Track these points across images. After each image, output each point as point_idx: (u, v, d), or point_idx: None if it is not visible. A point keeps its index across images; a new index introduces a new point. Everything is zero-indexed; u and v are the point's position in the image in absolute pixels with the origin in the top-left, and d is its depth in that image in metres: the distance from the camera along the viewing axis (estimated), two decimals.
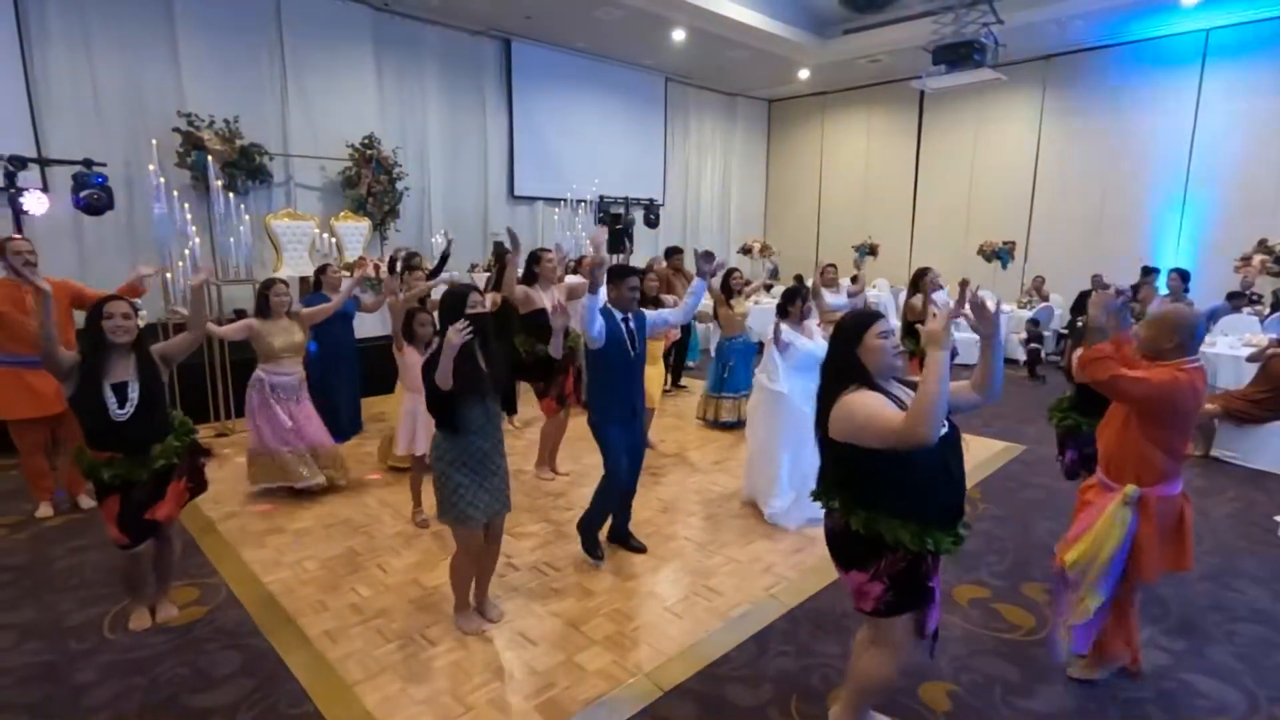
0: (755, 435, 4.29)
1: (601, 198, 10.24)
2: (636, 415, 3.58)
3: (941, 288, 5.79)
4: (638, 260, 10.03)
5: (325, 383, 5.23)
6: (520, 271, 4.56)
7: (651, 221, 10.68)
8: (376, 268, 7.21)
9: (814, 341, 4.14)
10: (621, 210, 9.78)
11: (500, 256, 6.77)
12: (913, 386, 2.16)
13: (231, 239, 5.77)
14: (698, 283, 3.63)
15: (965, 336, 9.24)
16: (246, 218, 6.14)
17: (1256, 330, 6.98)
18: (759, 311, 6.46)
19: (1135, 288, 7.48)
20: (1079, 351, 2.62)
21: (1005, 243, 10.39)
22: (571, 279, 5.42)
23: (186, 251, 5.26)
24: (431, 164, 9.64)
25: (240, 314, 5.94)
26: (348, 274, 6.84)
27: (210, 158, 6.74)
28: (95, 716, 2.51)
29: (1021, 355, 9.00)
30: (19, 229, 5.12)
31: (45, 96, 6.66)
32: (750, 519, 4.23)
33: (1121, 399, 2.52)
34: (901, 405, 2.00)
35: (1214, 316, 7.59)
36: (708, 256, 3.64)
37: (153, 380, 2.85)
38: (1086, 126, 10.65)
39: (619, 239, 9.47)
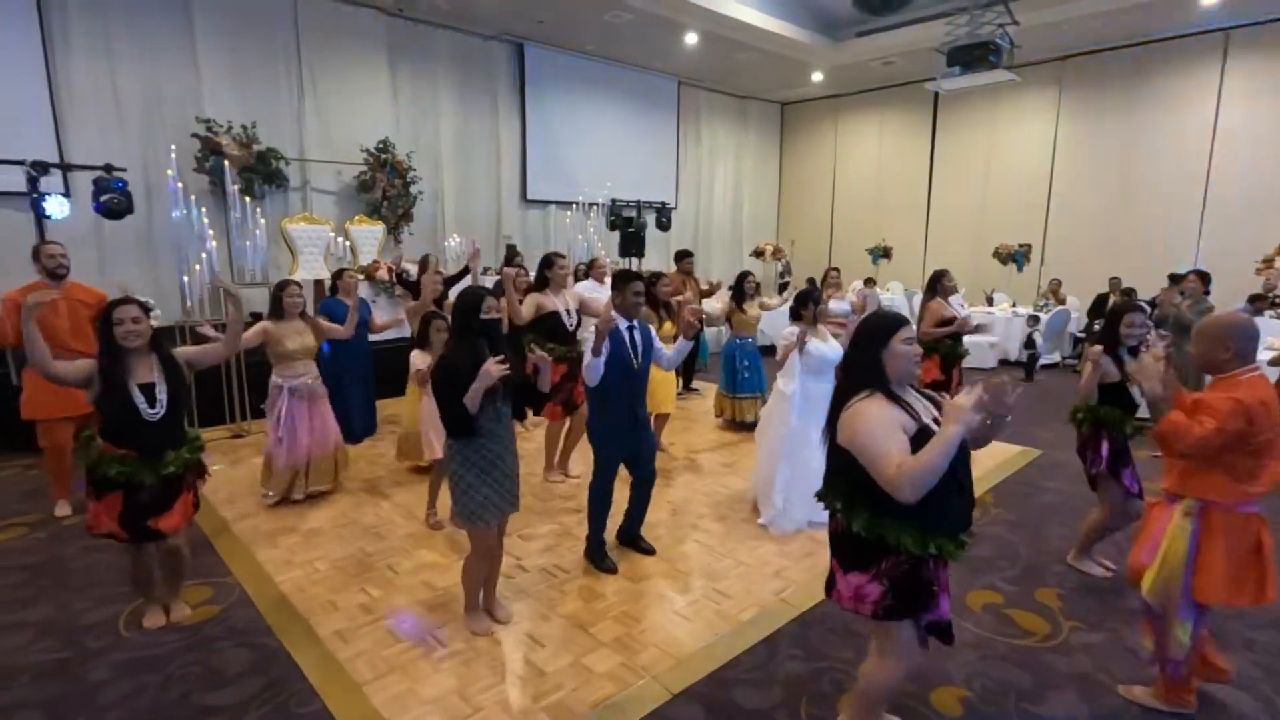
0: (762, 441, 4.27)
1: (614, 201, 10.26)
2: (639, 423, 3.55)
3: (956, 290, 5.75)
4: (648, 264, 10.05)
5: (338, 385, 5.26)
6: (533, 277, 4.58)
7: (663, 225, 10.69)
8: (390, 271, 7.28)
9: (826, 344, 4.12)
10: (633, 214, 9.78)
11: (510, 260, 6.81)
12: (925, 395, 2.14)
13: (247, 243, 5.83)
14: (684, 343, 3.59)
15: (974, 340, 9.17)
16: (263, 221, 6.21)
17: (1279, 334, 6.86)
18: (773, 315, 6.42)
19: (1151, 302, 7.38)
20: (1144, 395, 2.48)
21: (1021, 245, 10.29)
22: (582, 286, 5.44)
23: (203, 255, 5.32)
24: (445, 168, 9.71)
25: (257, 317, 6.01)
26: (363, 278, 6.93)
27: (227, 163, 6.81)
28: (108, 714, 2.54)
29: (1021, 356, 8.93)
30: (41, 233, 5.20)
31: (68, 104, 6.78)
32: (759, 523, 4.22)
33: (1210, 455, 2.28)
34: (913, 414, 1.98)
35: None
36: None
37: (179, 383, 2.88)
38: (1104, 127, 10.53)
39: (631, 242, 9.48)
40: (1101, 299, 9.12)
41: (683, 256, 7.17)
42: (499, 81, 10.23)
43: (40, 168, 5.00)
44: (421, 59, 9.36)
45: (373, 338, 5.80)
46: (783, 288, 11.09)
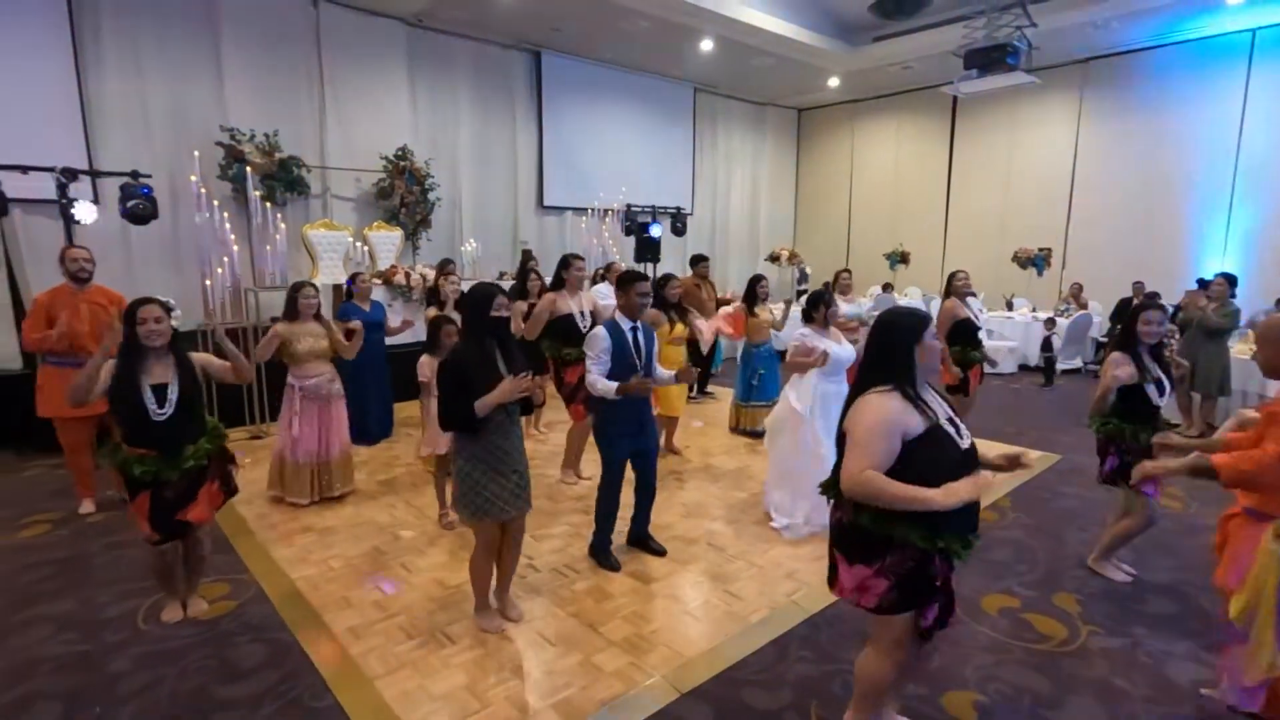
0: (773, 450, 4.24)
1: (629, 206, 10.30)
2: (644, 426, 3.56)
3: (975, 294, 5.68)
4: (663, 269, 10.05)
5: (356, 387, 5.34)
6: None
7: (678, 230, 10.71)
8: (407, 275, 7.37)
9: (839, 345, 4.10)
10: (648, 219, 9.82)
11: (525, 263, 6.86)
12: (943, 396, 2.13)
13: (268, 247, 5.93)
14: (669, 375, 3.65)
15: (993, 345, 9.06)
16: (283, 226, 6.32)
17: None
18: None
19: (1176, 306, 7.24)
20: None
21: (1041, 249, 10.17)
22: (598, 291, 5.46)
23: (225, 259, 5.42)
24: (462, 175, 9.82)
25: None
26: (379, 282, 7.02)
27: (249, 170, 6.94)
28: (126, 705, 2.58)
29: (1039, 360, 8.82)
30: (70, 237, 5.33)
31: (98, 113, 6.95)
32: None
33: None
34: (927, 413, 1.96)
35: (1256, 324, 7.36)
36: None
37: (191, 383, 2.94)
38: (1126, 130, 10.39)
39: (646, 248, 9.50)
40: (1125, 303, 8.97)
41: (698, 261, 7.17)
42: (516, 89, 10.33)
43: (69, 174, 5.15)
44: (440, 68, 9.49)
45: (390, 341, 5.87)
46: (801, 294, 11.05)
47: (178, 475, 2.86)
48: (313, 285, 4.34)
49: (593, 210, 9.68)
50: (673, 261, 11.13)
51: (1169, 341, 6.52)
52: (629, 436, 3.48)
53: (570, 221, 10.74)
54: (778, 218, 14.81)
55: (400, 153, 8.71)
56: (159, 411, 2.81)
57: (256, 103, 7.82)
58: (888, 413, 1.95)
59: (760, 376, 5.85)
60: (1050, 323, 8.58)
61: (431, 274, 6.94)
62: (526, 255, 7.73)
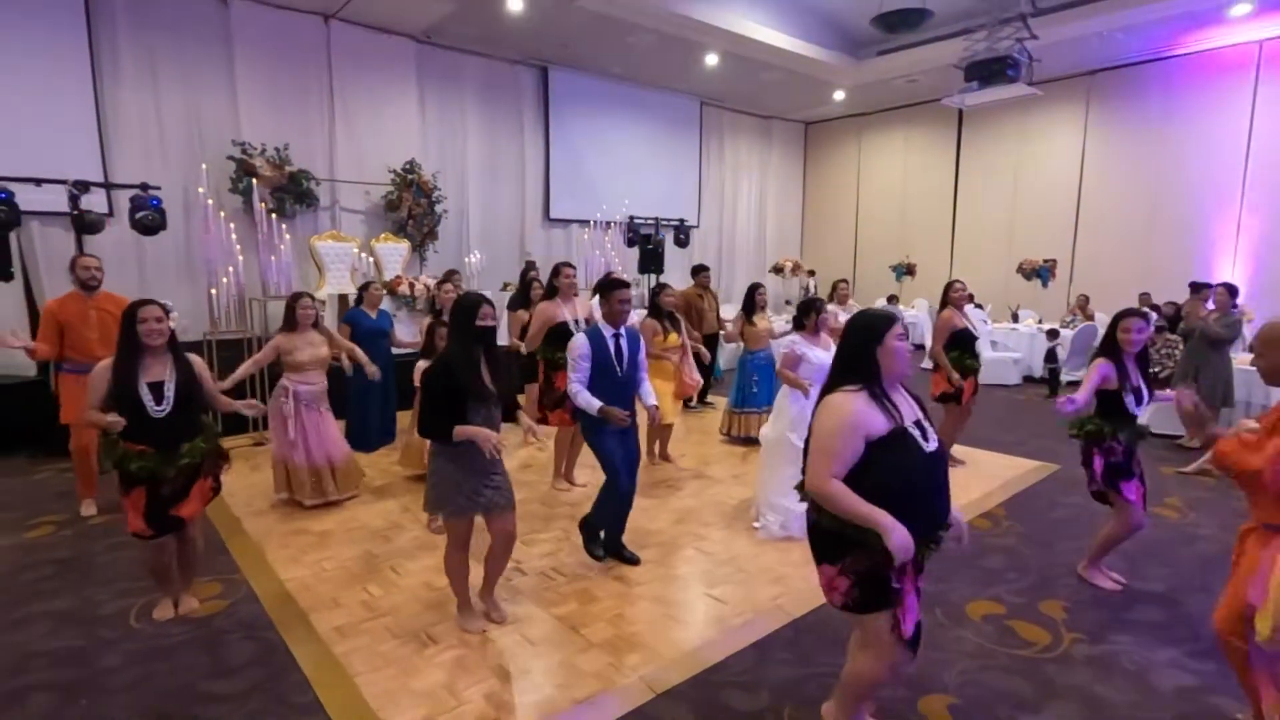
0: (766, 463, 4.24)
1: (631, 218, 10.40)
2: (627, 432, 3.58)
3: (978, 305, 5.68)
4: (666, 280, 10.11)
5: (359, 395, 5.42)
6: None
7: (681, 242, 10.79)
8: (411, 285, 7.48)
9: (828, 353, 4.12)
10: (651, 230, 9.90)
11: (526, 273, 6.96)
12: (916, 400, 2.14)
13: (273, 258, 6.06)
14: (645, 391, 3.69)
15: (997, 356, 9.02)
16: (287, 237, 6.45)
17: None
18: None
19: (1177, 314, 7.19)
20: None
21: (1045, 261, 10.13)
22: (597, 305, 5.51)
23: (230, 269, 5.55)
24: (470, 187, 9.97)
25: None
26: (385, 292, 7.13)
27: (256, 182, 7.11)
28: (117, 697, 2.64)
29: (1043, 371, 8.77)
30: (81, 248, 5.48)
31: (114, 127, 7.16)
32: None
33: None
34: (893, 415, 1.98)
35: None
36: None
37: (189, 381, 3.02)
38: (1133, 142, 10.36)
39: (650, 259, 9.58)
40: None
41: (699, 270, 7.24)
42: (524, 103, 10.50)
43: (82, 186, 5.30)
44: (449, 83, 9.67)
45: (395, 350, 5.97)
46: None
47: (174, 472, 2.94)
48: (310, 295, 4.44)
49: (595, 222, 9.77)
50: (678, 273, 11.20)
51: (1174, 351, 6.49)
52: (615, 438, 3.52)
53: (577, 234, 10.86)
54: (785, 230, 14.87)
55: (408, 166, 8.87)
56: (157, 408, 2.89)
57: (268, 117, 8.01)
58: (849, 414, 1.96)
59: (756, 383, 5.87)
60: (1053, 334, 8.54)
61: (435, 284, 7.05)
62: (529, 266, 7.82)
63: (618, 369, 3.48)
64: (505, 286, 8.99)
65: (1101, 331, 9.26)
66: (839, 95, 12.16)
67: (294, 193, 7.97)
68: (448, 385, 2.72)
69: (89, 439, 4.31)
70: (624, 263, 9.90)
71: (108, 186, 6.22)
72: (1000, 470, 5.41)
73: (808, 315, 4.18)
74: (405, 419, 6.32)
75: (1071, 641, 3.02)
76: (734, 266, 13.68)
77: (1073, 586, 3.55)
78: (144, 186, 5.76)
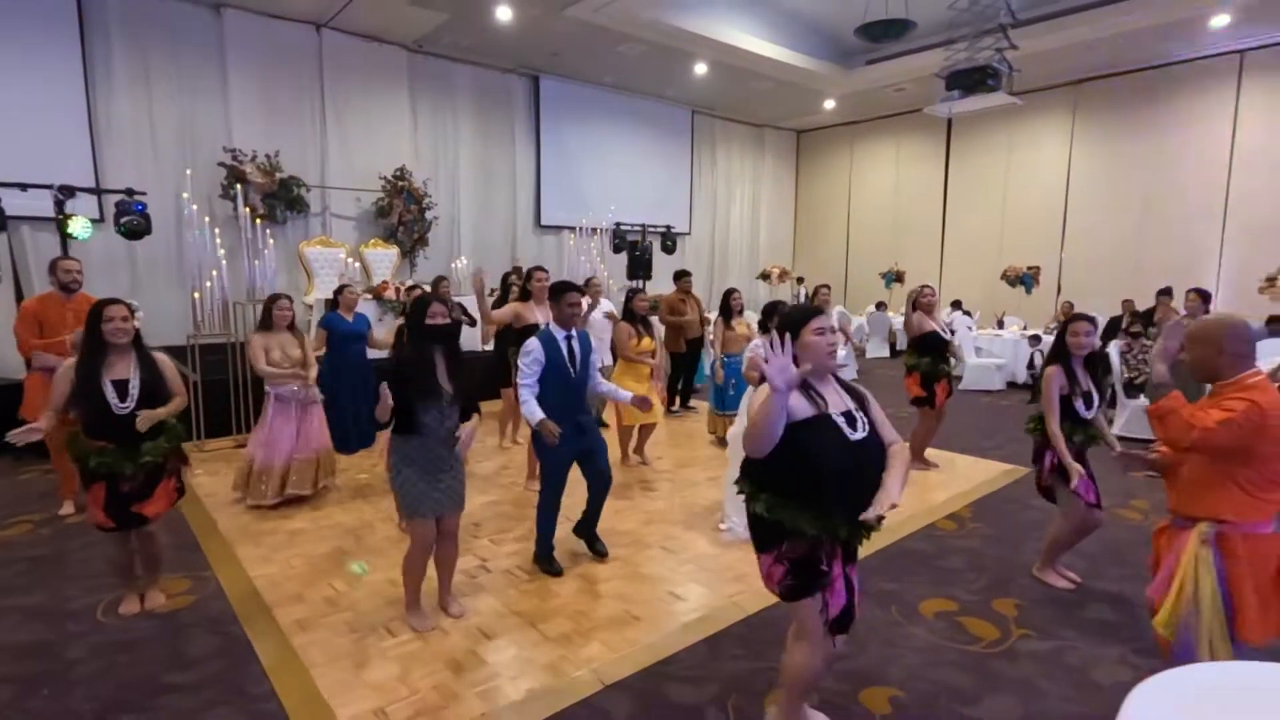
0: (734, 461, 4.30)
1: (618, 225, 10.50)
2: (584, 430, 3.61)
3: (966, 312, 5.74)
4: (654, 287, 10.19)
5: (336, 398, 5.48)
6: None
7: (668, 248, 10.88)
8: (398, 291, 7.56)
9: None
10: (638, 237, 10.00)
11: (505, 278, 7.06)
12: (853, 393, 2.20)
13: (256, 262, 6.15)
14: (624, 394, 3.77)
15: (981, 362, 9.07)
16: (271, 242, 6.55)
17: None
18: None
19: (1150, 317, 7.26)
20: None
21: (1030, 268, 10.20)
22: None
23: (214, 273, 5.64)
24: (461, 195, 10.08)
25: None
26: (369, 296, 7.22)
27: (242, 188, 7.21)
28: (77, 688, 2.70)
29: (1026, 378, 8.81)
30: (66, 252, 5.57)
31: (106, 133, 7.29)
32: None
33: (1215, 454, 2.16)
34: (817, 403, 2.06)
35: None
36: None
37: (153, 378, 3.09)
38: (1119, 149, 10.45)
39: (638, 265, 9.67)
40: (1114, 321, 8.96)
41: (681, 276, 7.32)
42: (516, 112, 10.62)
43: (67, 191, 5.40)
44: (441, 91, 9.80)
45: (374, 354, 6.03)
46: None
47: (133, 469, 3.00)
48: (287, 297, 4.51)
49: (580, 229, 9.87)
50: (668, 279, 11.28)
51: (1149, 356, 6.53)
52: (567, 442, 3.53)
53: (568, 241, 10.96)
54: (777, 237, 14.97)
55: (399, 173, 8.99)
56: (120, 405, 2.95)
57: (260, 124, 8.13)
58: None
59: (735, 386, 5.92)
60: (1035, 340, 8.60)
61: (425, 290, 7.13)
62: (512, 271, 7.92)
63: (571, 370, 3.54)
64: (492, 294, 9.07)
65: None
66: (829, 104, 12.27)
67: (285, 199, 8.08)
68: (397, 384, 2.78)
69: (56, 439, 4.38)
70: (611, 269, 9.99)
71: (93, 191, 6.33)
72: (973, 474, 5.46)
73: (771, 318, 4.24)
74: None
75: (1020, 637, 3.06)
76: (727, 273, 13.77)
77: (1028, 586, 3.59)
78: (129, 192, 5.86)
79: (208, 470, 5.45)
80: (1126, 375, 6.46)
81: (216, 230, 6.18)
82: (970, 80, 7.60)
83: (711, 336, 6.72)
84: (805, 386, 2.09)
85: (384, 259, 8.60)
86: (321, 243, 8.12)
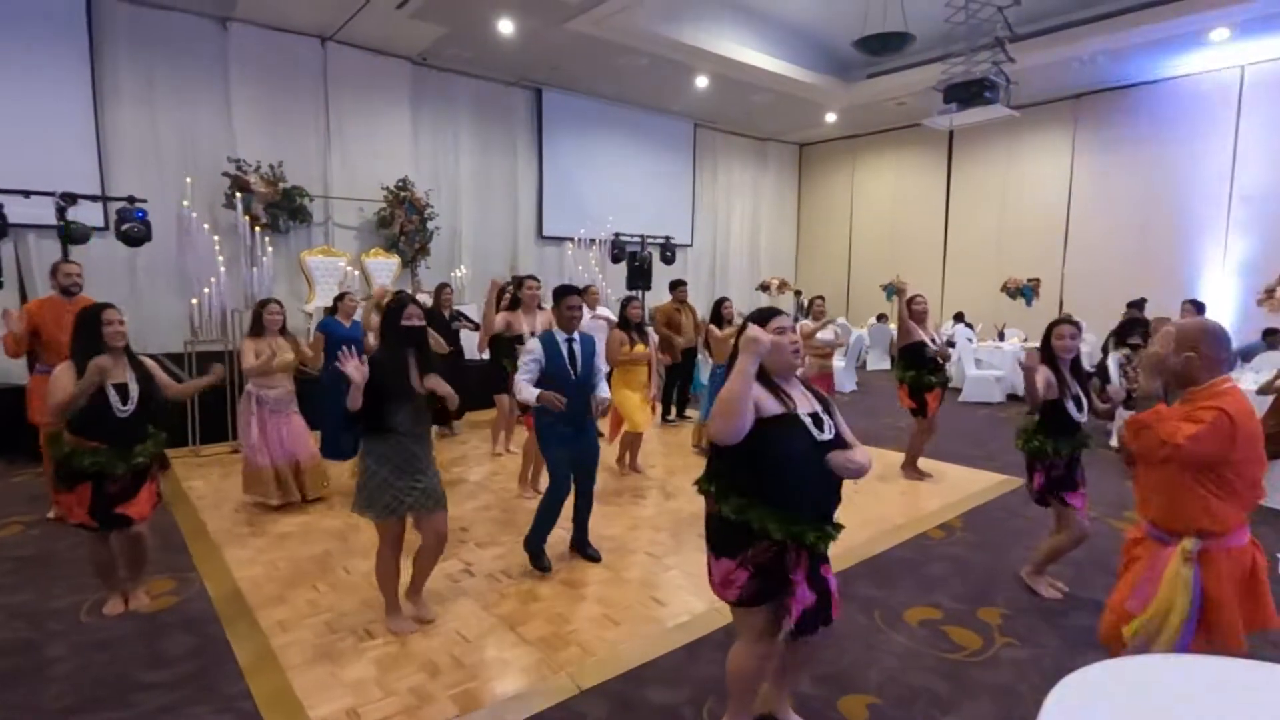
0: None
1: (616, 235, 10.55)
2: (582, 431, 3.66)
3: (968, 324, 5.74)
4: (654, 298, 10.22)
5: (331, 403, 5.50)
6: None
7: (668, 259, 10.92)
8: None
9: None
10: (637, 248, 10.04)
11: (503, 287, 7.09)
12: (818, 397, 2.21)
13: (255, 269, 6.21)
14: (602, 392, 3.78)
15: (981, 374, 9.04)
16: (270, 249, 6.61)
17: None
18: None
19: (1146, 332, 7.19)
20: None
21: (1030, 280, 10.18)
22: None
23: (212, 280, 5.69)
24: (463, 206, 10.15)
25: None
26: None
27: (241, 197, 7.29)
28: (53, 685, 2.71)
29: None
30: (65, 256, 5.64)
31: (113, 142, 7.39)
32: None
33: (1188, 466, 2.10)
34: (784, 401, 2.07)
35: (1248, 355, 7.25)
36: None
37: (147, 382, 3.13)
38: (1120, 163, 10.45)
39: (638, 275, 9.71)
40: (1122, 326, 8.90)
41: (676, 285, 7.34)
42: (517, 124, 10.71)
43: (69, 198, 5.47)
44: (443, 103, 9.90)
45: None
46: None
47: (123, 470, 3.02)
48: (276, 302, 4.56)
49: (578, 240, 9.93)
50: (663, 289, 11.32)
51: (1129, 371, 6.50)
52: (566, 442, 3.57)
53: (568, 251, 11.01)
54: (779, 249, 15.00)
55: (401, 184, 9.06)
56: (123, 408, 3.00)
57: (264, 135, 8.22)
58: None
59: None
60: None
61: (425, 299, 7.16)
62: (512, 280, 7.96)
63: (572, 372, 3.57)
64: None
65: (1083, 349, 9.31)
66: (830, 117, 12.33)
67: (287, 209, 8.16)
68: (370, 385, 2.80)
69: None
70: (610, 280, 10.02)
71: (95, 198, 6.40)
72: (966, 484, 5.42)
73: (764, 325, 4.23)
74: None
75: (1002, 645, 3.03)
76: (727, 285, 13.78)
77: (1014, 594, 3.56)
78: (130, 199, 5.94)
79: (203, 475, 5.47)
80: (1126, 387, 6.41)
81: (217, 238, 6.25)
82: (967, 93, 7.63)
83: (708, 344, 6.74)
84: (772, 385, 2.10)
85: (385, 268, 8.66)
86: (323, 252, 8.19)
